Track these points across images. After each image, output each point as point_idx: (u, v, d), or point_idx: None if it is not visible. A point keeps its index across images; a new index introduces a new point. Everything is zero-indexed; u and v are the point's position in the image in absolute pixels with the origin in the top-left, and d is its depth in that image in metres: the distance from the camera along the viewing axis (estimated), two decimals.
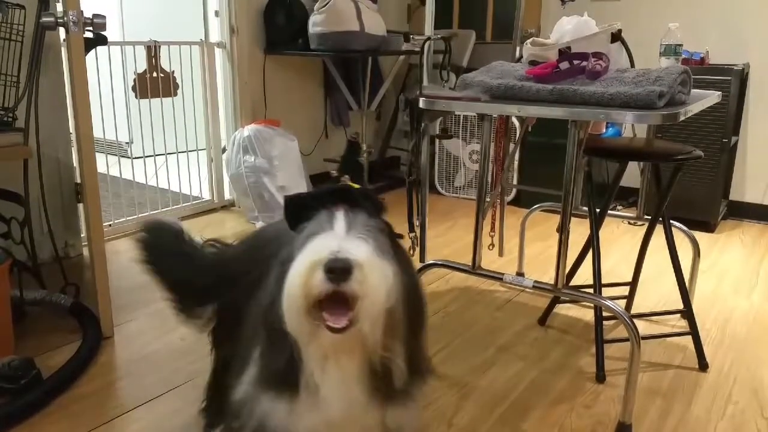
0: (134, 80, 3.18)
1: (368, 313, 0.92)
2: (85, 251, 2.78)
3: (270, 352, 1.02)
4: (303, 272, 0.91)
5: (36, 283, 2.30)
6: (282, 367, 1.00)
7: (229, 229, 3.34)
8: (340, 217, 0.99)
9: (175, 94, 3.39)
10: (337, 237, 0.94)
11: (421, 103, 1.80)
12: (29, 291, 2.21)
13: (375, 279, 0.92)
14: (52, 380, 1.76)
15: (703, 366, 1.97)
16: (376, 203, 1.04)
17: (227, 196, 3.68)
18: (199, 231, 3.27)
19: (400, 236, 1.08)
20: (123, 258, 2.82)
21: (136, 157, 4.08)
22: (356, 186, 1.05)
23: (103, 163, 2.75)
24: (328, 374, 0.99)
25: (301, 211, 1.04)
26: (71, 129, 2.68)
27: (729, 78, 3.15)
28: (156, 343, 2.06)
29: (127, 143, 4.64)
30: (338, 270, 0.89)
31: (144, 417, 1.66)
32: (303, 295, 0.92)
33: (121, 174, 3.39)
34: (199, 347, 2.03)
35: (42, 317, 2.18)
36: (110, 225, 3.09)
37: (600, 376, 1.89)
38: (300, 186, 3.43)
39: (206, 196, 3.65)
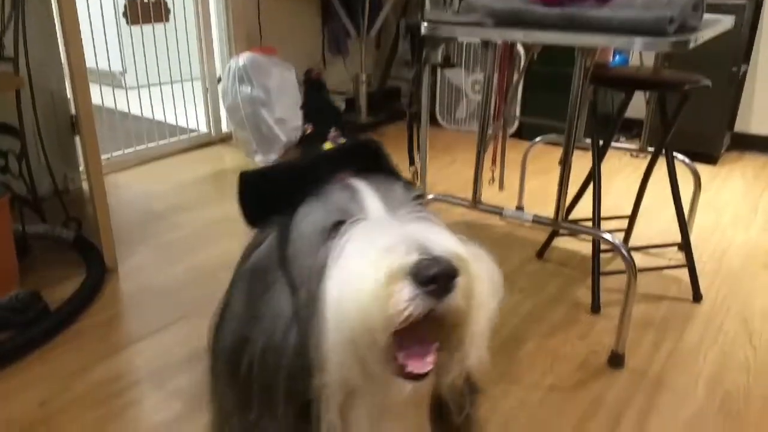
0: (125, 5, 3.07)
1: (474, 341, 0.62)
2: (85, 185, 2.77)
3: (264, 419, 0.67)
4: (378, 287, 0.56)
5: (37, 218, 2.30)
6: None
7: (227, 163, 3.32)
8: (368, 193, 0.66)
9: (167, 20, 3.29)
10: (394, 224, 0.61)
11: (423, 29, 1.74)
12: (31, 225, 2.22)
13: (485, 286, 0.61)
14: (60, 312, 1.79)
15: (697, 298, 2.00)
16: (393, 163, 0.74)
17: (225, 129, 3.62)
18: (197, 165, 3.25)
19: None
20: (123, 192, 2.81)
21: (130, 88, 4.00)
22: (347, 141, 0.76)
23: (97, 94, 2.69)
24: None
25: (278, 195, 0.69)
26: (63, 58, 2.61)
27: (743, 2, 3.03)
28: (160, 276, 2.08)
29: (120, 73, 4.54)
30: (442, 277, 0.56)
31: (150, 348, 1.70)
32: (383, 326, 0.57)
33: (116, 105, 3.33)
34: (203, 279, 2.06)
35: (45, 251, 2.20)
36: (108, 158, 3.06)
37: (595, 308, 1.92)
38: (298, 119, 3.38)
39: (203, 128, 3.60)
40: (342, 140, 0.77)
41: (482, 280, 0.61)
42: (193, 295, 1.97)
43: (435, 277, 0.56)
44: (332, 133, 0.77)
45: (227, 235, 2.39)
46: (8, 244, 1.89)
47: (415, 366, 0.60)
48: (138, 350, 1.69)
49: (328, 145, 0.76)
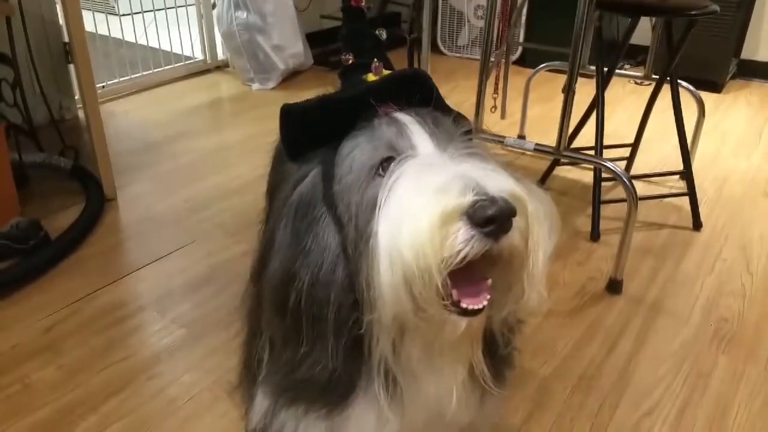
0: None
1: (531, 280, 0.62)
2: (81, 114, 2.73)
3: (315, 350, 0.67)
4: (433, 228, 0.55)
5: (34, 147, 2.28)
6: (331, 374, 0.67)
7: (224, 91, 3.25)
8: (416, 128, 0.64)
9: None
10: (446, 162, 0.60)
11: None
12: (28, 154, 2.19)
13: (543, 225, 0.61)
14: (61, 240, 1.80)
15: (697, 225, 2.00)
16: (442, 96, 0.71)
17: (221, 56, 3.53)
18: (193, 93, 3.19)
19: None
20: (120, 121, 2.77)
21: (123, 15, 3.87)
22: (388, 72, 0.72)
23: (90, 21, 2.59)
24: (422, 376, 0.68)
25: (321, 128, 0.68)
26: None
27: None
28: (159, 205, 2.08)
29: None
30: (499, 218, 0.55)
31: (151, 275, 1.72)
32: (438, 266, 0.56)
33: (109, 32, 3.23)
34: (202, 209, 2.06)
35: (43, 180, 2.19)
36: (103, 86, 3.00)
37: (595, 236, 1.93)
38: (296, 46, 3.29)
39: (198, 55, 3.51)
40: (385, 72, 0.74)
41: (540, 220, 0.60)
42: (193, 224, 1.97)
43: (492, 218, 0.55)
44: (375, 64, 0.74)
45: (225, 165, 2.38)
46: (6, 172, 1.88)
47: (469, 302, 0.60)
48: (140, 278, 1.71)
49: (370, 77, 0.73)
